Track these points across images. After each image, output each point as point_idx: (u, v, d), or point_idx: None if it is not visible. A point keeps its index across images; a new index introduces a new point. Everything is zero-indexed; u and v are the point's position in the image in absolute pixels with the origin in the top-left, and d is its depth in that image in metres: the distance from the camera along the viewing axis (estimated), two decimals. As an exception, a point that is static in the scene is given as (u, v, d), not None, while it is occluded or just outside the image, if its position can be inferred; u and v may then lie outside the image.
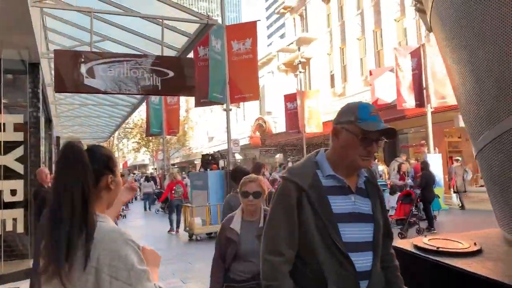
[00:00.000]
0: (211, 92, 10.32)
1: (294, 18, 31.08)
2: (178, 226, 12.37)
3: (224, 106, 10.84)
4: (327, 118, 22.19)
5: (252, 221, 2.95)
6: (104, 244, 1.33)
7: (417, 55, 13.51)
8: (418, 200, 8.56)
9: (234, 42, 10.95)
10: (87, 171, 1.39)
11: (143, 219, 16.31)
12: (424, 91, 13.18)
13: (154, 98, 17.87)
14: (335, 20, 26.76)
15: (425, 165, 9.27)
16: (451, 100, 13.31)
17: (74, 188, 1.35)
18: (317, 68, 28.10)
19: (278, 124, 29.09)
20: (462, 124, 15.34)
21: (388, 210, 10.50)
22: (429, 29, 3.30)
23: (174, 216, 12.42)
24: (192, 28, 7.17)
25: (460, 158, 16.10)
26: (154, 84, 5.99)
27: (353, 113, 1.77)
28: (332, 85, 27.05)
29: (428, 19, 3.06)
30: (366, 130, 1.70)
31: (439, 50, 3.08)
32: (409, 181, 10.90)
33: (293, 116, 20.18)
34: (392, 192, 9.59)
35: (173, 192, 12.44)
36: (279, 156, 32.15)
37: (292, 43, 24.81)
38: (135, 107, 13.33)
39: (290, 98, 20.58)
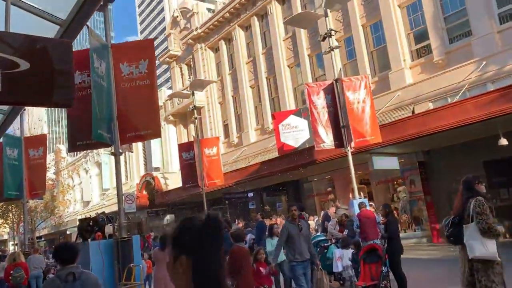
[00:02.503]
0: (95, 129, 7.36)
1: (181, 68, 29.23)
2: None
3: (112, 149, 7.92)
4: (224, 169, 20.06)
5: None
6: None
7: (330, 91, 12.36)
8: (386, 256, 6.57)
9: (124, 65, 8.25)
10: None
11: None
12: (343, 129, 11.90)
13: (11, 151, 13.82)
14: (226, 68, 25.54)
15: (389, 209, 7.41)
16: (371, 139, 12.19)
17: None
18: (209, 118, 26.21)
19: (169, 180, 26.03)
20: (377, 166, 14.36)
21: (335, 274, 8.30)
22: None
23: None
24: (62, 12, 4.50)
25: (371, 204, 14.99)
26: (-12, 82, 3.11)
27: None
28: (226, 135, 25.27)
29: None
30: None
31: None
32: (346, 232, 9.00)
33: (190, 168, 17.54)
34: (345, 246, 7.43)
35: (10, 278, 9.19)
36: (169, 218, 28.66)
37: (185, 88, 22.40)
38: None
39: (185, 147, 18.03)
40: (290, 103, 21.04)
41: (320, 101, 12.40)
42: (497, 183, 13.80)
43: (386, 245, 6.73)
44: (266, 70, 22.74)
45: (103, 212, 8.11)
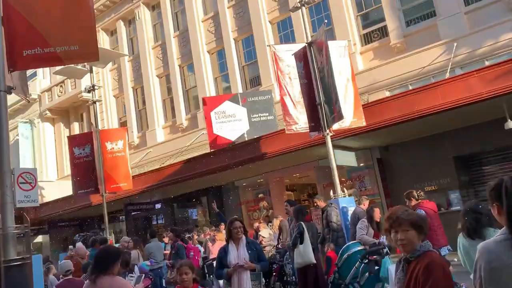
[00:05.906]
0: None
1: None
2: None
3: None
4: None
5: None
6: None
7: (303, 58, 9.44)
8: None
9: None
10: None
11: None
12: (319, 107, 8.99)
13: None
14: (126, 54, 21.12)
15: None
16: (353, 121, 9.52)
17: None
18: (100, 115, 21.31)
19: (44, 191, 20.30)
20: (339, 161, 11.71)
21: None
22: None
23: None
24: None
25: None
26: None
27: None
28: (125, 135, 20.65)
29: None
30: None
31: None
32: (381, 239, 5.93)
33: (85, 168, 12.98)
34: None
35: None
36: (42, 239, 22.60)
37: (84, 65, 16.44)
38: None
39: (79, 141, 13.40)
40: (211, 95, 17.65)
41: (290, 69, 9.39)
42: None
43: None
44: (180, 56, 19.05)
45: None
